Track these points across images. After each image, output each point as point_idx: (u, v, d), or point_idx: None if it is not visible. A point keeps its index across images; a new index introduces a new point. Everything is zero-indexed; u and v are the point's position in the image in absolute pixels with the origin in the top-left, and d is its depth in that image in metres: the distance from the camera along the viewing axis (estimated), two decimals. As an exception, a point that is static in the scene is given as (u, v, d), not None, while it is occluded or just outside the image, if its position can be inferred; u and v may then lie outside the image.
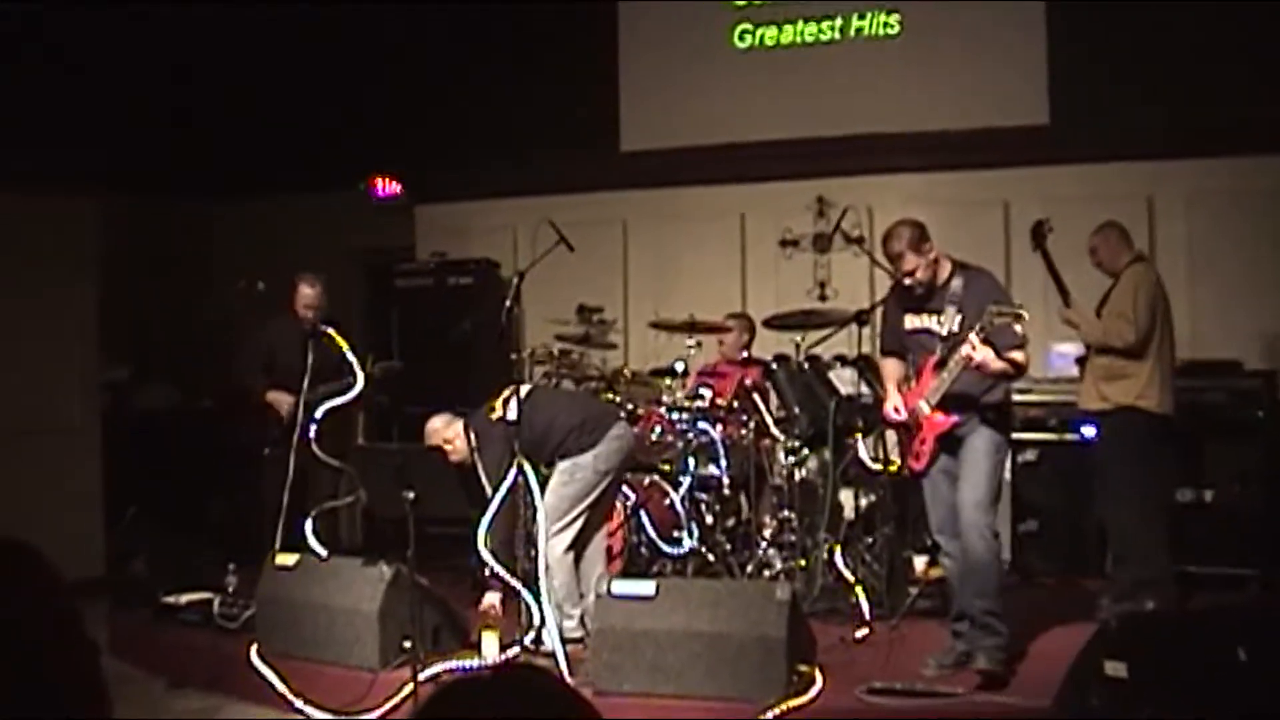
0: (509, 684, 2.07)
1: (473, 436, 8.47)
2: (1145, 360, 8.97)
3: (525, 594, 7.99)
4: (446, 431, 8.58)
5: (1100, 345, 9.14)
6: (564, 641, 8.01)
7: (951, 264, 7.94)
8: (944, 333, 7.69)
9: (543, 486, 8.24)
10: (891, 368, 8.29)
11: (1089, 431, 9.50)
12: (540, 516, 8.15)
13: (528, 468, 7.97)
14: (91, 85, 12.07)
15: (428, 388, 12.15)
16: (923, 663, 7.97)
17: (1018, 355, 7.60)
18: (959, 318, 7.58)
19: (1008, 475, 10.67)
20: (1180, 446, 10.09)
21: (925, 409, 7.78)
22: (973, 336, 7.38)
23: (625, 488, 9.81)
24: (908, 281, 7.87)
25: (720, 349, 11.18)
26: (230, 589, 9.35)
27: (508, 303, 8.65)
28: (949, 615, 8.25)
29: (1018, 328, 7.53)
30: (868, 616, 8.80)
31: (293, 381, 9.95)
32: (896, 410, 7.94)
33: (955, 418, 7.71)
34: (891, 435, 9.62)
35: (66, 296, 11.52)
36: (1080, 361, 9.56)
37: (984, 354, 7.39)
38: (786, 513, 9.88)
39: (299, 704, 8.01)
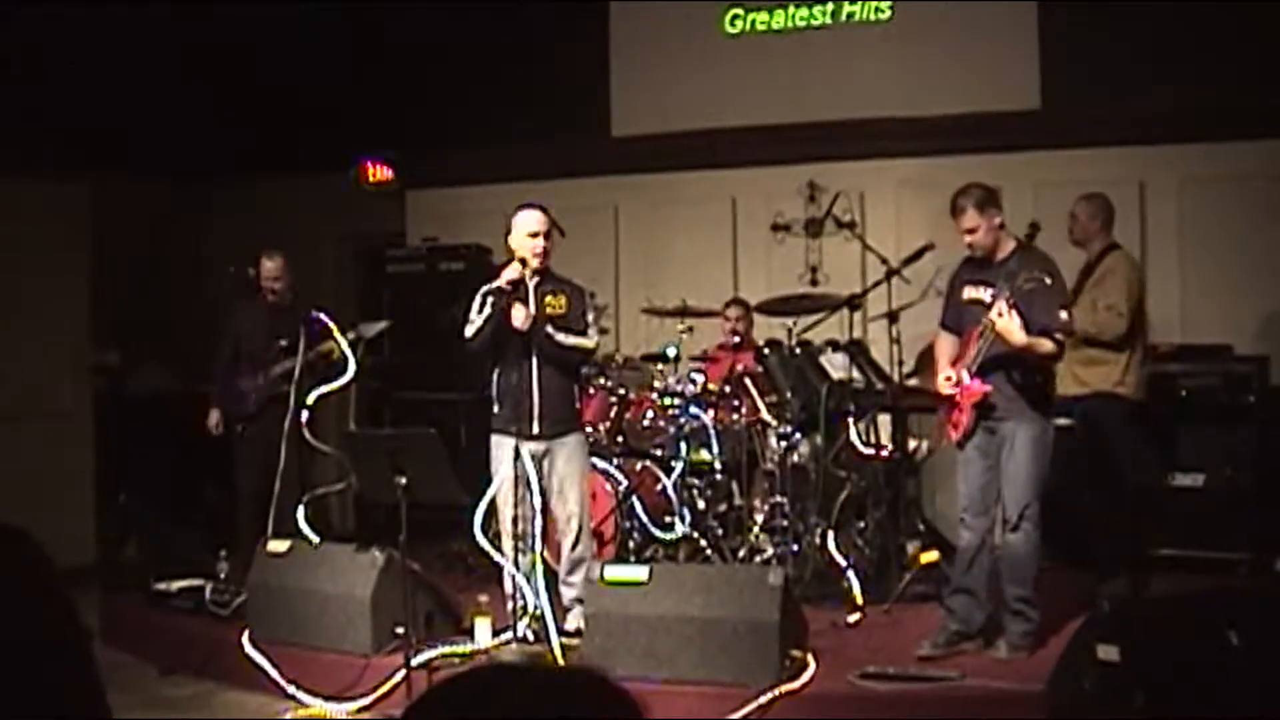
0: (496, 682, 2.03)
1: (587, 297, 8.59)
2: (1122, 347, 9.07)
3: (523, 583, 7.95)
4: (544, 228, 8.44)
5: (1086, 337, 9.18)
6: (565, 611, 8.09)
7: (1016, 242, 7.95)
8: (992, 303, 7.63)
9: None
10: (944, 344, 8.26)
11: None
12: (538, 503, 8.11)
13: (526, 455, 7.92)
14: (84, 69, 12.04)
15: (419, 373, 12.18)
16: (917, 645, 8.01)
17: (1046, 342, 7.62)
18: (1008, 291, 7.55)
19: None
20: (1172, 431, 10.15)
21: (965, 378, 7.80)
22: (1000, 303, 7.45)
23: (618, 473, 9.83)
24: (967, 240, 7.91)
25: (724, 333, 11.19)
26: (222, 575, 9.35)
27: (500, 288, 8.62)
28: (942, 597, 8.34)
29: (1063, 314, 7.62)
30: (860, 601, 8.81)
31: (258, 363, 10.12)
32: (948, 380, 7.91)
33: (987, 386, 7.72)
34: (884, 420, 9.66)
35: (58, 280, 11.51)
36: None
37: (1006, 322, 7.44)
38: (778, 498, 9.88)
39: (291, 690, 8.02)
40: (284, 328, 9.86)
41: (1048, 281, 7.56)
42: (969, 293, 7.98)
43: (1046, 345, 7.62)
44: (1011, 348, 7.58)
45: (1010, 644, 7.84)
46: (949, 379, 7.91)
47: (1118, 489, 9.17)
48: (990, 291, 7.70)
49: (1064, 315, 7.66)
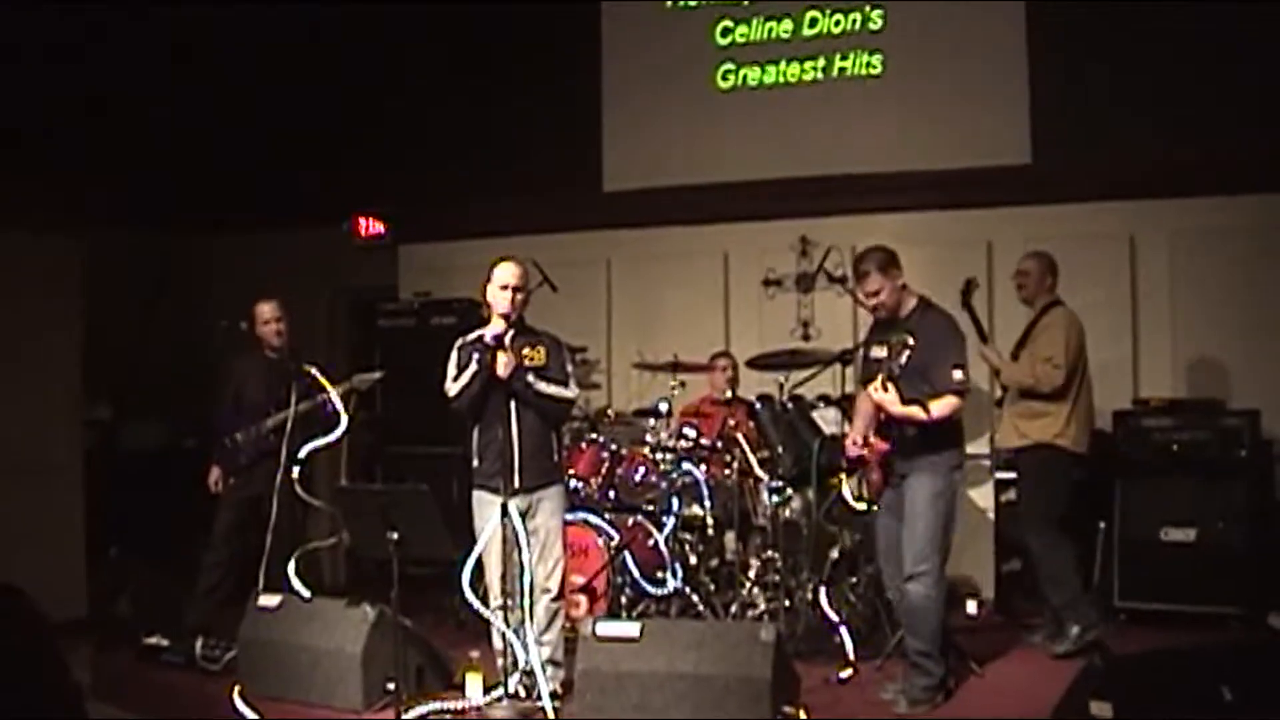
0: None
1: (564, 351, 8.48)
2: (1063, 401, 9.28)
3: (513, 638, 7.90)
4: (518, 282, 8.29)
5: (1024, 389, 9.31)
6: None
7: (918, 300, 8.20)
8: (890, 363, 7.83)
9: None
10: (860, 401, 8.54)
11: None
12: (528, 558, 8.03)
13: (514, 511, 7.87)
14: (79, 122, 12.07)
15: (411, 427, 12.17)
16: (882, 688, 8.23)
17: (920, 412, 7.78)
18: (906, 351, 7.68)
19: (990, 515, 10.76)
20: (1164, 485, 10.17)
21: (871, 438, 8.06)
22: (880, 379, 7.71)
23: (609, 528, 9.80)
24: (871, 303, 8.19)
25: (710, 389, 11.22)
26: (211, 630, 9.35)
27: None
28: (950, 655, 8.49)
29: (956, 374, 7.82)
30: (852, 656, 8.80)
31: (257, 414, 10.07)
32: (854, 444, 8.22)
33: (887, 446, 8.00)
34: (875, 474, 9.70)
35: (51, 334, 11.49)
36: (999, 403, 9.72)
37: (882, 396, 7.72)
38: (770, 553, 9.88)
39: (282, 746, 7.99)
40: (280, 380, 9.84)
41: (911, 342, 7.66)
42: (875, 352, 8.20)
43: (920, 415, 7.79)
44: (891, 416, 7.82)
45: (910, 698, 7.95)
46: (855, 441, 8.18)
47: (1056, 535, 9.24)
48: (889, 350, 7.86)
49: (957, 375, 7.85)
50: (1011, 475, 10.31)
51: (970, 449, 10.86)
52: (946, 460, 8.05)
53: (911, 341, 7.57)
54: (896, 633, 8.84)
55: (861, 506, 9.38)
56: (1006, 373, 9.58)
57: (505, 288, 8.10)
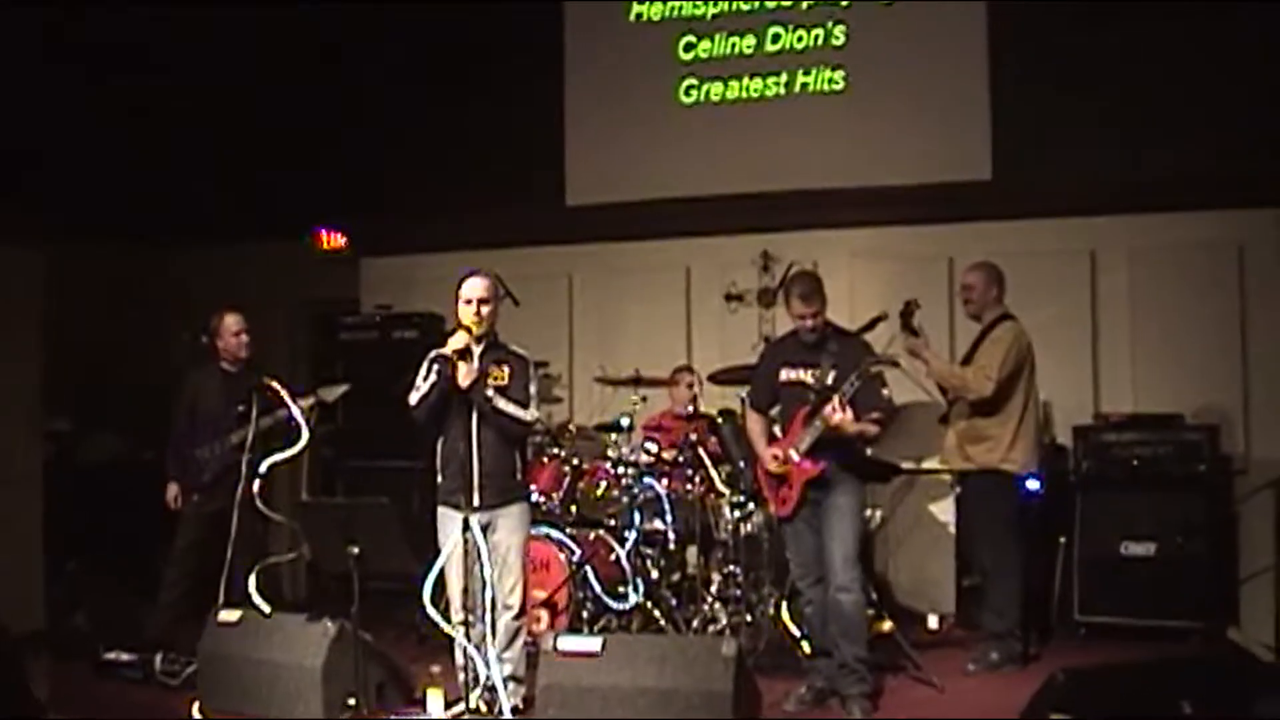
0: None
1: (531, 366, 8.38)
2: (1007, 422, 9.27)
3: (474, 653, 7.86)
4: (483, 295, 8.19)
5: (952, 390, 9.36)
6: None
7: (829, 325, 8.37)
8: (818, 386, 8.11)
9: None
10: (759, 424, 8.71)
11: (1033, 485, 9.52)
12: (490, 573, 7.98)
13: (475, 526, 7.83)
14: (38, 135, 12.01)
15: (372, 441, 12.14)
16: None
17: (874, 427, 8.09)
18: (834, 373, 8.01)
19: (951, 530, 10.80)
20: (1123, 500, 10.21)
21: (795, 456, 8.20)
22: (836, 400, 7.87)
23: (571, 543, 9.79)
24: (808, 324, 8.26)
25: (672, 403, 11.23)
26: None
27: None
28: (909, 669, 8.88)
29: (885, 391, 8.07)
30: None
31: (214, 428, 10.04)
32: (776, 459, 8.32)
33: (822, 464, 8.13)
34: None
35: (9, 345, 11.40)
36: (944, 419, 9.69)
37: (841, 417, 7.86)
38: (732, 567, 9.89)
39: (242, 761, 7.95)
40: (239, 394, 9.78)
41: (892, 362, 8.17)
42: (787, 374, 8.42)
43: (874, 430, 8.09)
44: (845, 436, 8.01)
45: (861, 707, 8.13)
46: (777, 458, 8.32)
47: (998, 561, 9.31)
48: (813, 373, 8.20)
49: (886, 392, 8.13)
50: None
51: (931, 464, 10.96)
52: (861, 474, 8.40)
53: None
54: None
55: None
56: (934, 366, 9.46)
57: (469, 301, 8.06)
